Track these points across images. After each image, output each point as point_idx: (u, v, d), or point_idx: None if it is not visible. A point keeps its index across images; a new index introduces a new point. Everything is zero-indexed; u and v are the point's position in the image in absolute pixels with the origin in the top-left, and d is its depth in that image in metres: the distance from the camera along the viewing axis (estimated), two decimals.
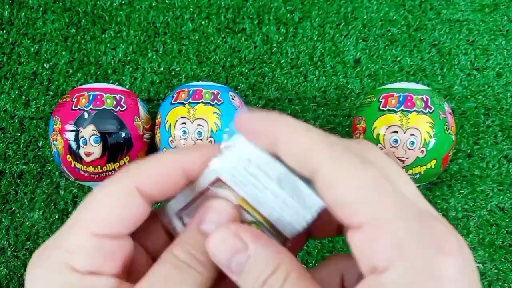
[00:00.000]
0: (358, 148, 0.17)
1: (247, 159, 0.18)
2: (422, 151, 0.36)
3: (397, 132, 0.36)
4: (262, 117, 0.17)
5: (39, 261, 0.17)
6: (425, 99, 0.37)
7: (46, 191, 0.44)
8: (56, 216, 0.44)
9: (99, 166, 0.38)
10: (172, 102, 0.39)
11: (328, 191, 0.15)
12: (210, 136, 0.37)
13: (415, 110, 0.36)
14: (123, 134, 0.38)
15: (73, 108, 0.38)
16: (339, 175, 0.15)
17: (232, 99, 0.40)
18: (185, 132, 0.37)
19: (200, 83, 0.41)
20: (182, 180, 0.18)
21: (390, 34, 0.50)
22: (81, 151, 0.37)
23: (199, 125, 0.37)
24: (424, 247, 0.14)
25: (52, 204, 0.44)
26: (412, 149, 0.36)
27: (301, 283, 0.16)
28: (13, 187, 0.44)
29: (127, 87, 0.48)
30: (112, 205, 0.17)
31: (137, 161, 0.18)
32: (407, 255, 0.14)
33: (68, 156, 0.38)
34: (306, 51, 0.50)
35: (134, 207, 0.17)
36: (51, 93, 0.47)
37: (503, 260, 0.42)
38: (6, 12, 0.50)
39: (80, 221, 0.17)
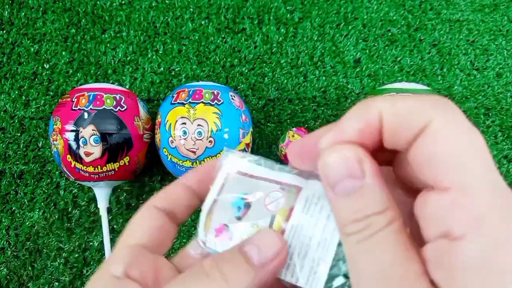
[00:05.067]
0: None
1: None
2: None
3: None
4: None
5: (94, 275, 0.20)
6: None
7: (46, 191, 0.44)
8: (56, 216, 0.44)
9: (99, 166, 0.38)
10: (172, 102, 0.39)
11: (433, 145, 0.14)
12: (210, 136, 0.37)
13: None
14: (123, 134, 0.38)
15: (73, 108, 0.38)
16: (451, 132, 0.14)
17: (232, 99, 0.40)
18: (185, 132, 0.37)
19: (200, 83, 0.41)
20: (194, 200, 0.22)
21: (390, 34, 0.50)
22: (81, 151, 0.37)
23: (199, 125, 0.37)
24: (507, 222, 0.13)
25: (52, 204, 0.44)
26: None
27: (401, 236, 0.15)
28: (13, 187, 0.44)
29: (127, 87, 0.48)
30: (140, 222, 0.21)
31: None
32: (488, 229, 0.13)
33: (68, 156, 0.38)
34: (306, 51, 0.50)
35: (157, 223, 0.21)
36: (51, 93, 0.47)
37: None
38: (6, 12, 0.50)
39: (120, 240, 0.21)
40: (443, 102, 0.15)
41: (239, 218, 0.19)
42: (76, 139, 0.37)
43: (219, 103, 0.38)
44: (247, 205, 0.19)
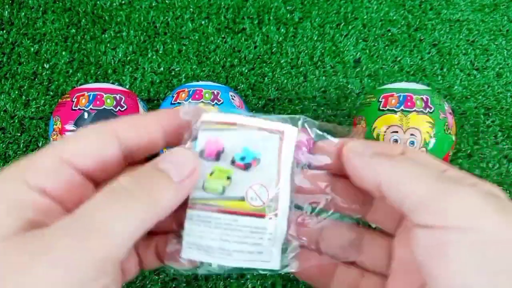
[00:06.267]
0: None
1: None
2: (422, 151, 0.36)
3: (397, 132, 0.36)
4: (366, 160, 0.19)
5: None
6: (425, 99, 0.37)
7: None
8: None
9: None
10: (172, 102, 0.39)
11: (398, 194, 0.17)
12: None
13: (415, 110, 0.36)
14: None
15: (73, 108, 0.38)
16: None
17: (232, 99, 0.40)
18: None
19: (200, 83, 0.41)
20: (159, 135, 0.19)
21: (390, 34, 0.50)
22: None
23: None
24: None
25: None
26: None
27: None
28: None
29: (127, 87, 0.48)
30: (86, 139, 0.18)
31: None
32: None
33: None
34: (306, 51, 0.50)
35: (106, 145, 0.18)
36: (51, 93, 0.47)
37: None
38: (6, 12, 0.50)
39: (51, 147, 0.17)
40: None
41: (232, 162, 0.19)
42: None
43: (219, 103, 0.38)
44: (254, 162, 0.19)
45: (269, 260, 0.19)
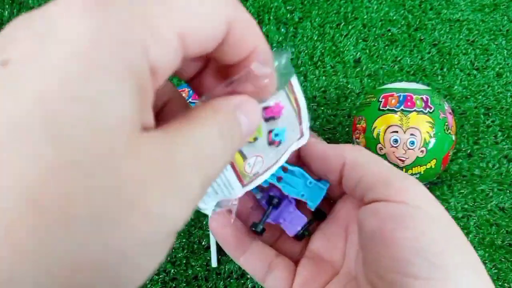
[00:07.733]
0: None
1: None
2: (422, 151, 0.36)
3: (397, 132, 0.36)
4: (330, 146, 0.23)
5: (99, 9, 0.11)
6: (425, 99, 0.37)
7: None
8: None
9: None
10: None
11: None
12: None
13: (415, 110, 0.37)
14: None
15: None
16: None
17: None
18: None
19: None
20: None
21: (390, 34, 0.51)
22: None
23: None
24: None
25: None
26: (412, 149, 0.36)
27: None
28: None
29: None
30: (200, 11, 0.12)
31: None
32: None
33: None
34: (306, 51, 0.50)
35: (217, 25, 0.13)
36: None
37: (503, 260, 0.42)
38: (6, 12, 0.50)
39: (166, 10, 0.12)
40: None
41: (269, 131, 0.19)
42: None
43: None
44: (277, 142, 0.20)
45: (206, 206, 0.22)
